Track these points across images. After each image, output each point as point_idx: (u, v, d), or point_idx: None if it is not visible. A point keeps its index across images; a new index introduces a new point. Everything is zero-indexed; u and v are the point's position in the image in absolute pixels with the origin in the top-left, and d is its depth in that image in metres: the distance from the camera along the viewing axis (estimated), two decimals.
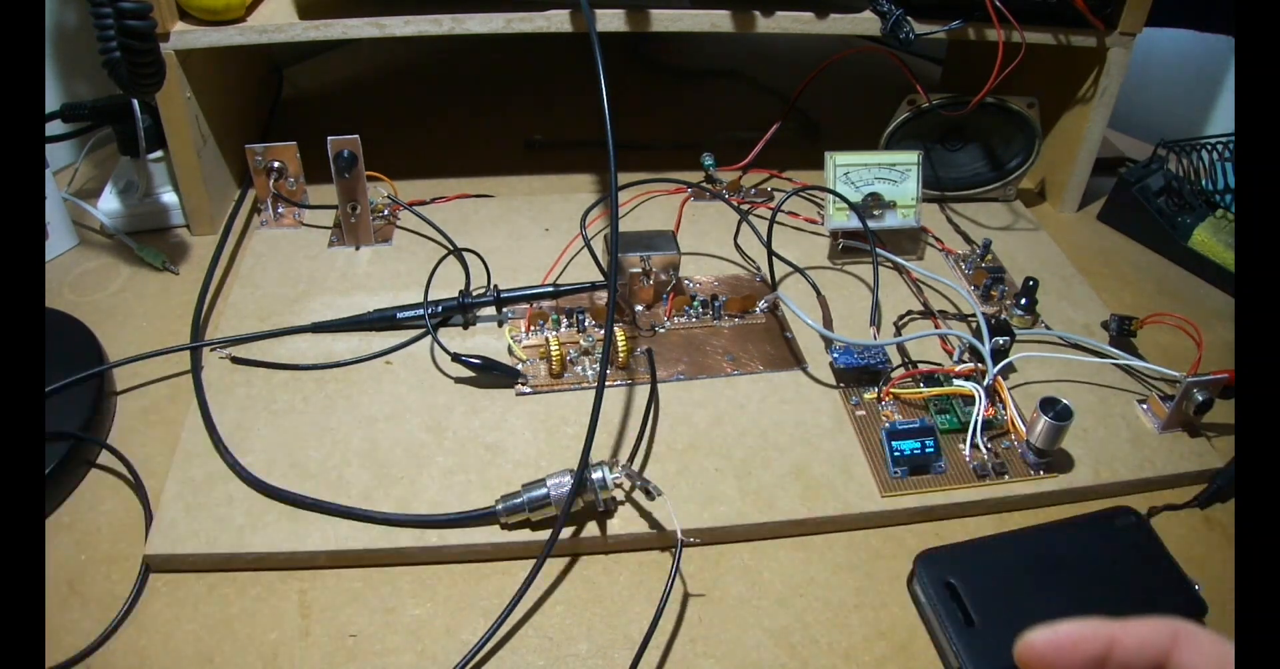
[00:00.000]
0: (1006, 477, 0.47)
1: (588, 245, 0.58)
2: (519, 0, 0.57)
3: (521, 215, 0.66)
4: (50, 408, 0.47)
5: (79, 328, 0.53)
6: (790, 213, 0.66)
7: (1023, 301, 0.57)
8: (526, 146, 0.77)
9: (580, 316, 0.55)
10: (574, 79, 0.89)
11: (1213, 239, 0.65)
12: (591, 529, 0.43)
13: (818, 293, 0.58)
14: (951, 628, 0.39)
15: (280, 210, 0.63)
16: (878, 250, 0.59)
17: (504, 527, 0.43)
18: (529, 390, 0.50)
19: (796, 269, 0.60)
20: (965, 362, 0.53)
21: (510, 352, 0.53)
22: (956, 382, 0.51)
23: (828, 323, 0.55)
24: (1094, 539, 0.44)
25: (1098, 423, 0.50)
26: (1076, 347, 0.56)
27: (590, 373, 0.52)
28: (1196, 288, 0.65)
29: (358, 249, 0.61)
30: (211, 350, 0.52)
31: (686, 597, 0.42)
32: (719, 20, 0.59)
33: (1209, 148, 0.68)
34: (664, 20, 0.58)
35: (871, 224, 0.60)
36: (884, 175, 0.61)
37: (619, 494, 0.45)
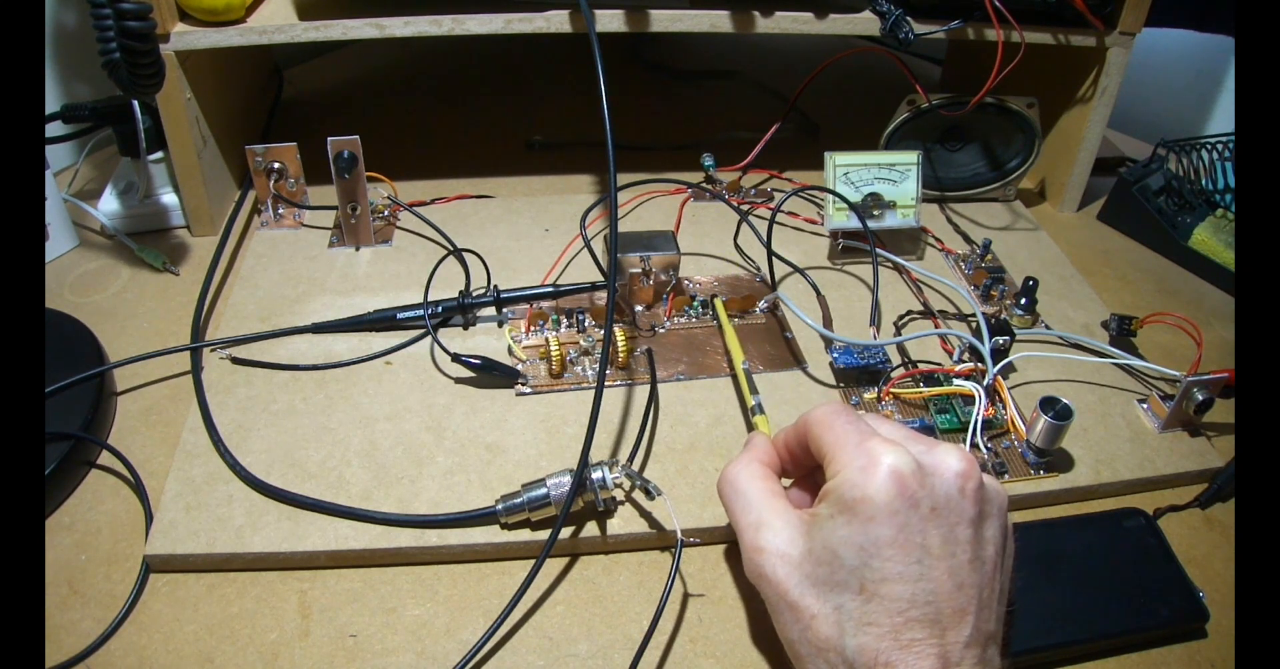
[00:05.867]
0: (1006, 476, 0.47)
1: (588, 245, 0.58)
2: (519, 0, 0.57)
3: (521, 216, 0.66)
4: (51, 408, 0.47)
5: (79, 328, 0.53)
6: (790, 213, 0.66)
7: (1023, 301, 0.57)
8: (527, 147, 0.77)
9: (580, 317, 0.55)
10: (574, 79, 0.89)
11: (1213, 239, 0.65)
12: (591, 529, 0.43)
13: (818, 293, 0.58)
14: None
15: (280, 211, 0.63)
16: (878, 250, 0.59)
17: (504, 527, 0.43)
18: (529, 390, 0.51)
19: (796, 269, 0.60)
20: (965, 361, 0.53)
21: (510, 352, 0.53)
22: (956, 381, 0.51)
23: (828, 323, 0.55)
24: (1101, 538, 0.44)
25: (1098, 423, 0.50)
26: (1076, 346, 0.56)
27: (590, 373, 0.52)
28: (1196, 288, 0.65)
29: (358, 250, 0.61)
30: (212, 351, 0.52)
31: (686, 597, 0.42)
32: (718, 20, 0.59)
33: (1209, 148, 0.68)
34: (664, 20, 0.58)
35: (871, 224, 0.60)
36: (884, 175, 0.61)
37: (619, 494, 0.45)
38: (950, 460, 0.32)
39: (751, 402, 0.46)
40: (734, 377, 0.51)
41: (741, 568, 0.43)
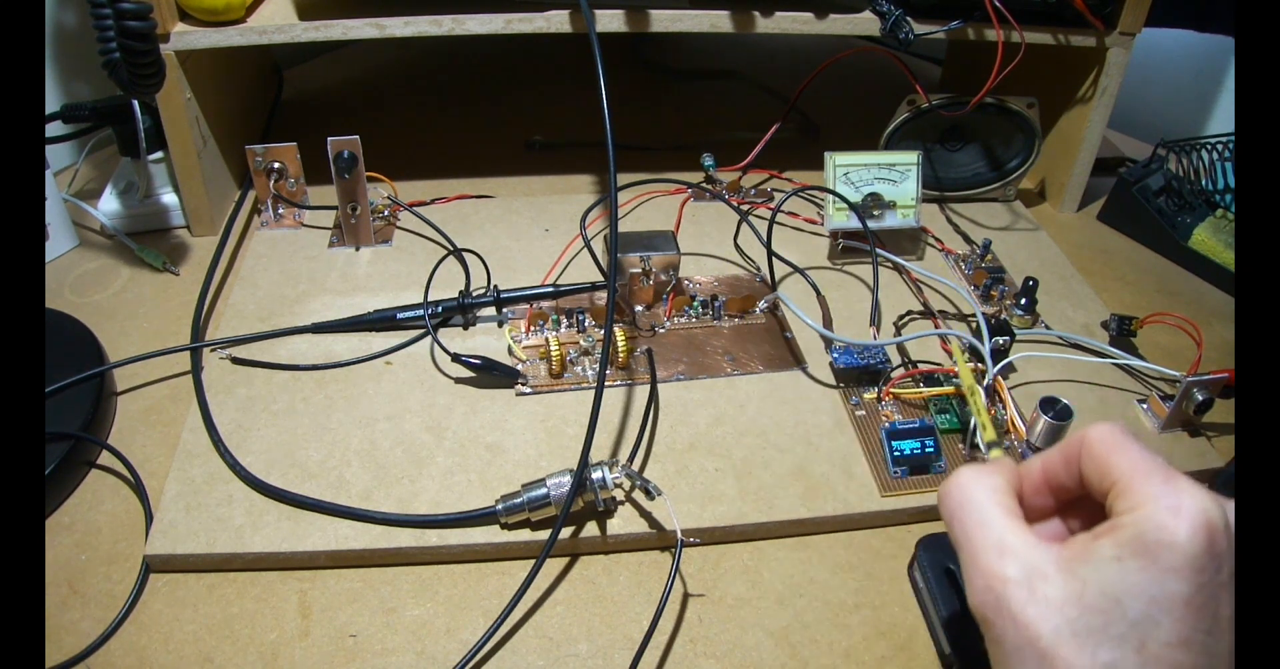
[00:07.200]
0: None
1: (588, 246, 0.58)
2: (519, 0, 0.57)
3: (521, 216, 0.66)
4: (51, 408, 0.47)
5: (79, 328, 0.53)
6: (790, 213, 0.66)
7: (1023, 301, 0.57)
8: (527, 147, 0.77)
9: (580, 317, 0.55)
10: (574, 79, 0.89)
11: (1213, 239, 0.65)
12: (591, 529, 0.43)
13: (818, 293, 0.58)
14: (946, 614, 0.39)
15: (280, 211, 0.63)
16: (878, 250, 0.59)
17: (504, 527, 0.43)
18: (529, 390, 0.51)
19: (796, 269, 0.60)
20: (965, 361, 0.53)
21: (510, 352, 0.53)
22: (957, 381, 0.51)
23: (828, 323, 0.55)
24: None
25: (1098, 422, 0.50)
26: (1076, 346, 0.56)
27: (590, 373, 0.52)
28: (1196, 288, 0.65)
29: (358, 250, 0.61)
30: (212, 351, 0.52)
31: (686, 597, 0.42)
32: (719, 20, 0.59)
33: (1209, 148, 0.68)
34: (664, 20, 0.58)
35: (871, 224, 0.60)
36: (884, 175, 0.61)
37: (619, 494, 0.45)
38: None
39: (993, 436, 0.38)
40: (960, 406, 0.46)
41: (741, 567, 0.43)
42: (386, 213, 0.64)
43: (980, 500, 0.30)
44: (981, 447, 0.39)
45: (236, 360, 0.52)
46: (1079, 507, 0.32)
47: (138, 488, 0.45)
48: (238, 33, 0.56)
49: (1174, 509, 0.27)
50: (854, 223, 0.59)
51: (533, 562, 0.40)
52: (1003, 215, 0.69)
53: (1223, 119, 0.83)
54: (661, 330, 0.55)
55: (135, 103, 0.61)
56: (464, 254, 0.60)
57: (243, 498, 0.44)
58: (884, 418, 0.50)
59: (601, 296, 0.57)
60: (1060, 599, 0.27)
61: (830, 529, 0.45)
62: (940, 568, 0.41)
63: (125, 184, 0.65)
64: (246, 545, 0.42)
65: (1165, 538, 0.26)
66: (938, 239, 0.65)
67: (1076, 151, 0.68)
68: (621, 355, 0.51)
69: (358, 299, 0.57)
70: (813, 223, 0.66)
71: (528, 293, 0.55)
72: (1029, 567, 0.28)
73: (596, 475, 0.42)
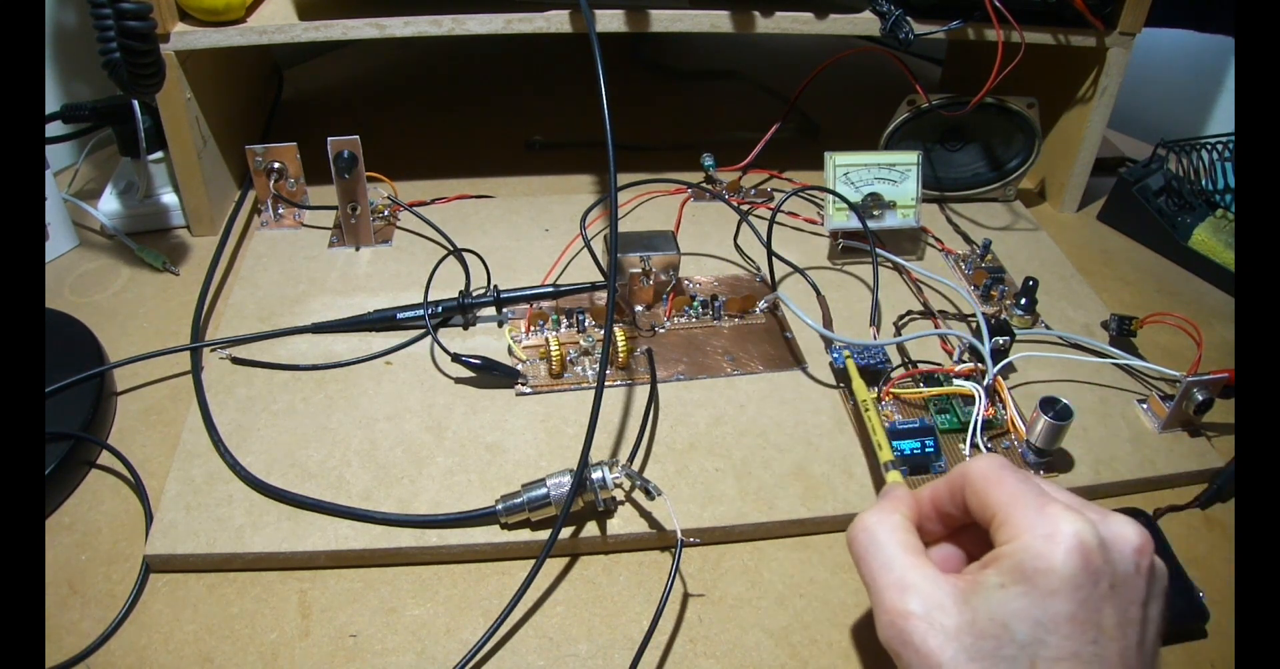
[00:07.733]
0: None
1: (588, 245, 0.58)
2: (519, 0, 0.57)
3: (521, 215, 0.66)
4: (51, 408, 0.47)
5: (79, 328, 0.53)
6: (790, 213, 0.66)
7: (1023, 301, 0.57)
8: (527, 147, 0.77)
9: (580, 317, 0.55)
10: (574, 79, 0.89)
11: (1213, 239, 0.65)
12: (591, 529, 0.43)
13: (818, 293, 0.58)
14: None
15: (280, 211, 0.63)
16: (878, 250, 0.59)
17: (504, 527, 0.43)
18: (529, 390, 0.51)
19: (796, 269, 0.60)
20: (965, 361, 0.53)
21: (510, 352, 0.53)
22: (956, 381, 0.51)
23: (828, 323, 0.55)
24: None
25: (1098, 423, 0.50)
26: (1076, 346, 0.56)
27: (590, 373, 0.52)
28: (1196, 288, 0.65)
29: (358, 250, 0.61)
30: (212, 351, 0.52)
31: (686, 597, 0.42)
32: (719, 20, 0.59)
33: (1209, 148, 0.68)
34: (664, 20, 0.58)
35: (871, 224, 0.60)
36: (884, 175, 0.61)
37: (619, 494, 0.45)
38: (1128, 533, 0.30)
39: (889, 456, 0.42)
40: (863, 431, 0.47)
41: (741, 567, 0.43)
42: (386, 213, 0.64)
43: (883, 541, 0.33)
44: (882, 466, 0.42)
45: (236, 360, 0.52)
46: (973, 529, 0.34)
47: (138, 488, 0.45)
48: (238, 33, 0.56)
49: (1048, 536, 0.29)
50: (854, 223, 0.59)
51: (533, 562, 0.40)
52: (1003, 215, 0.69)
53: (1223, 119, 0.83)
54: (661, 330, 0.55)
55: (135, 103, 0.61)
56: (464, 254, 0.60)
57: (243, 498, 0.44)
58: (884, 418, 0.50)
59: (601, 297, 0.57)
60: (956, 628, 0.29)
61: (830, 529, 0.45)
62: None
63: (125, 184, 0.65)
64: (246, 545, 0.42)
65: (1042, 565, 0.29)
66: (938, 239, 0.65)
67: (1076, 151, 0.68)
68: (621, 355, 0.51)
69: (358, 299, 0.57)
70: (813, 223, 0.66)
71: (528, 293, 0.55)
72: (929, 601, 0.30)
73: (596, 475, 0.42)
